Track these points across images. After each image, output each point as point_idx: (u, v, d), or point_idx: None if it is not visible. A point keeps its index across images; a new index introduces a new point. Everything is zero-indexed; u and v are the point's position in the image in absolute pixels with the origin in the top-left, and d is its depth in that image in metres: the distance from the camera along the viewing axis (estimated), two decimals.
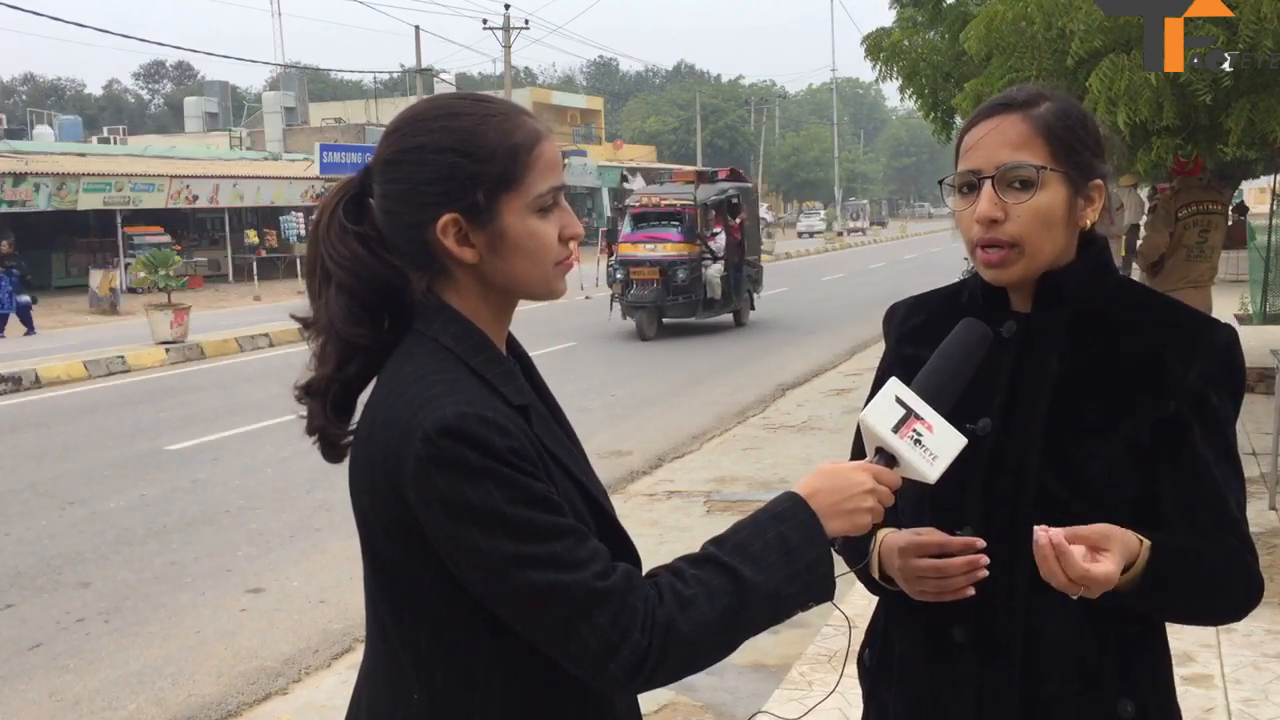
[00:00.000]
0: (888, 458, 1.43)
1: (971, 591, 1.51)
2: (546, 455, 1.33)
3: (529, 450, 1.29)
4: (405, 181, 1.36)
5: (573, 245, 1.42)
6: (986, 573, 1.50)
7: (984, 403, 1.59)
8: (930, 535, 1.55)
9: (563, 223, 1.39)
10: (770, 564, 1.31)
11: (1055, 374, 1.58)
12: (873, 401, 1.46)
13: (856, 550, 1.62)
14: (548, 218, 1.38)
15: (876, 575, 1.63)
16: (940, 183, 1.66)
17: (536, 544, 1.25)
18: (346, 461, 1.42)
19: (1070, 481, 1.53)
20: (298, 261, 28.29)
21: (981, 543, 1.50)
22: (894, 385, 1.46)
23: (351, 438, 1.40)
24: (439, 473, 1.24)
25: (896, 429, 1.42)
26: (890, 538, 1.61)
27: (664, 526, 6.71)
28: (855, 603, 1.95)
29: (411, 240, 1.37)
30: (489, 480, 1.24)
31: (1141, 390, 1.54)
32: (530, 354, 1.52)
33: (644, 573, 1.34)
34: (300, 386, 1.42)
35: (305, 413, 1.42)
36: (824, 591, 1.36)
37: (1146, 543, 1.47)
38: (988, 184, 1.54)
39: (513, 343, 1.48)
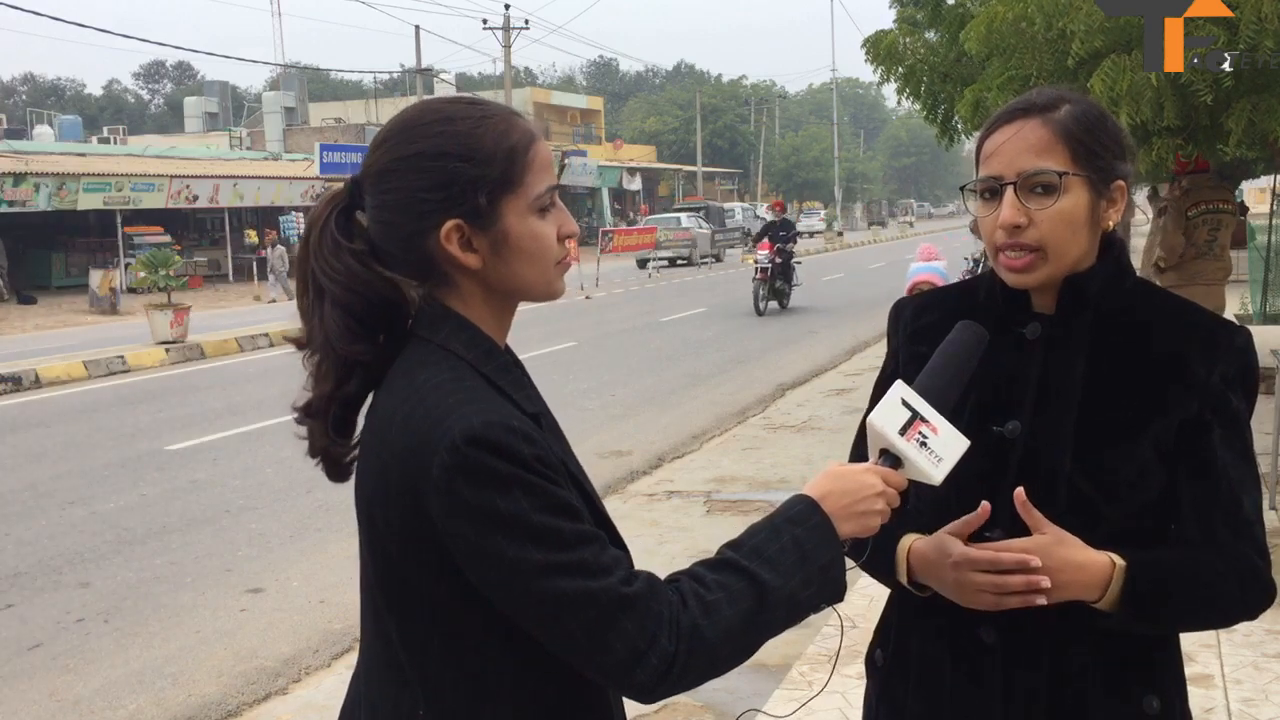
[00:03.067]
0: (892, 459, 1.44)
1: (1043, 600, 1.47)
2: (559, 462, 1.32)
3: (551, 458, 1.28)
4: (402, 191, 1.33)
5: (570, 244, 1.42)
6: (1049, 584, 1.46)
7: (1012, 405, 1.59)
8: (981, 552, 1.51)
9: (560, 222, 1.39)
10: (787, 567, 1.31)
11: (1082, 376, 1.57)
12: (879, 404, 1.46)
13: (856, 549, 1.62)
14: (546, 218, 1.37)
15: (905, 580, 1.62)
16: (962, 189, 1.66)
17: (564, 552, 1.23)
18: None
19: (1102, 484, 1.52)
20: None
21: (1037, 560, 1.46)
22: (900, 388, 1.47)
23: (355, 454, 1.38)
24: (466, 482, 1.22)
25: (903, 431, 1.43)
26: (918, 545, 1.60)
27: (664, 526, 6.69)
28: (854, 603, 1.95)
29: (410, 250, 1.34)
30: (517, 489, 1.23)
31: (1168, 391, 1.55)
32: (531, 354, 1.52)
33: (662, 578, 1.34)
34: (299, 408, 1.40)
35: (305, 434, 1.40)
36: (836, 594, 1.36)
37: (1120, 563, 1.48)
38: (1010, 190, 1.54)
39: (507, 350, 1.46)
